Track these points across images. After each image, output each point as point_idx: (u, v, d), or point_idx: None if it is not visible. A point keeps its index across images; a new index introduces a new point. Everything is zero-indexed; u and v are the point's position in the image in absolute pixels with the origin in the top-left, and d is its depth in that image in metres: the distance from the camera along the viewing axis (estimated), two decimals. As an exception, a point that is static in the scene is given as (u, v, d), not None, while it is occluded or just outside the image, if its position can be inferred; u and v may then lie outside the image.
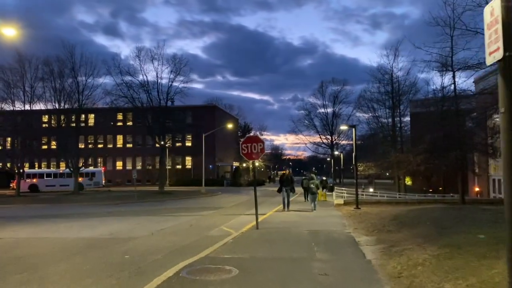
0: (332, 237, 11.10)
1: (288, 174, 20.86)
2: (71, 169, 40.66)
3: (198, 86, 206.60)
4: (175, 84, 41.19)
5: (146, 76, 40.81)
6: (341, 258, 8.09)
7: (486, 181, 31.47)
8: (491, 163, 30.86)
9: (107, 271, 7.69)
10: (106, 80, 63.63)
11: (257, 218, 13.08)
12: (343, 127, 50.13)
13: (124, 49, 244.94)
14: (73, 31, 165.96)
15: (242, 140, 13.37)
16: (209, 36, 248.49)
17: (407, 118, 48.54)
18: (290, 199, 20.58)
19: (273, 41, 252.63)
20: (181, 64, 41.36)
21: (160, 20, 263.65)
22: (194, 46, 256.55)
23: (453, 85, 23.48)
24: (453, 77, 23.31)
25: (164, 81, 54.28)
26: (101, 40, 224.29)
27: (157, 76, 40.88)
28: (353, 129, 23.72)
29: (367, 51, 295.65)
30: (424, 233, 9.32)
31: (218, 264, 7.56)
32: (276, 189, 22.10)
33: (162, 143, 42.54)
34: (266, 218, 16.68)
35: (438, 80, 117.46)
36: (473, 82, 29.36)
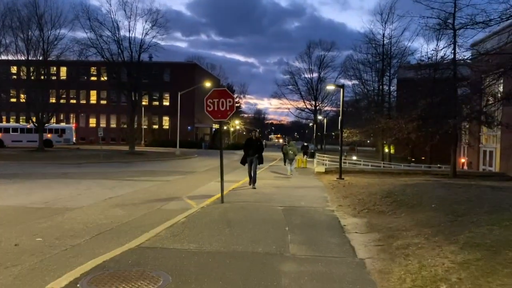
0: (312, 217, 8.92)
1: (255, 138, 15.50)
2: (35, 124, 37.61)
3: (181, 44, 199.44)
4: (149, 37, 37.84)
5: (117, 24, 37.14)
6: (323, 255, 5.88)
7: (476, 152, 29.72)
8: (483, 133, 29.08)
9: (-10, 267, 5.35)
10: (77, 34, 59.46)
11: (222, 190, 10.78)
12: (330, 87, 47.96)
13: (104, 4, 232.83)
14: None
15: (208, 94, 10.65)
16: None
17: (393, 87, 46.39)
18: (258, 171, 15.64)
19: (261, 0, 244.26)
20: (157, 15, 37.94)
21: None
22: (178, 2, 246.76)
23: (448, 49, 21.37)
24: (454, 36, 21.03)
25: (139, 36, 50.41)
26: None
27: (129, 25, 37.42)
28: (341, 89, 21.29)
29: (355, 16, 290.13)
30: (431, 221, 7.13)
31: (148, 262, 5.27)
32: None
33: (133, 99, 39.16)
34: (237, 187, 14.48)
35: (430, 47, 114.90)
36: (471, 45, 27.23)
